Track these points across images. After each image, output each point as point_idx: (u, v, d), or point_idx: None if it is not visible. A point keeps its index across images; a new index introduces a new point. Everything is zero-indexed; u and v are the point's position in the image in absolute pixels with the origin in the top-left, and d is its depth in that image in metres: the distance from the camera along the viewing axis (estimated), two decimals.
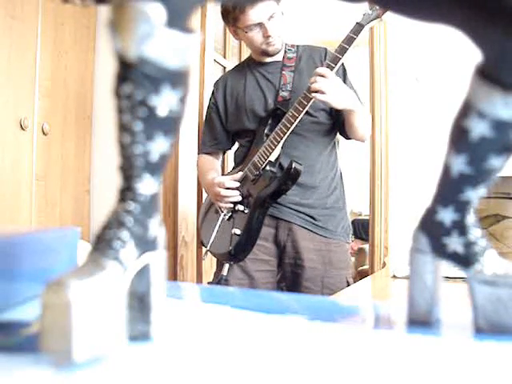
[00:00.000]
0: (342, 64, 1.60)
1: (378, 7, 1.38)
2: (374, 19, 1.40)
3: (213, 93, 1.74)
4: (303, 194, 1.57)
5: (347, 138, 1.65)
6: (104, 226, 0.38)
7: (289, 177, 1.50)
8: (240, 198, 1.57)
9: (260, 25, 1.53)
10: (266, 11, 1.51)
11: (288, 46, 1.65)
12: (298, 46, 1.67)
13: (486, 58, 0.39)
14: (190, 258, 2.24)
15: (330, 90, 1.40)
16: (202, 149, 1.77)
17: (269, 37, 1.55)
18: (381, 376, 0.33)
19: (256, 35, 1.55)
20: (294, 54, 1.63)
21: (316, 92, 1.40)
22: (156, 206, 0.39)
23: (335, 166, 1.67)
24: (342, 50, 1.42)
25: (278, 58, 1.64)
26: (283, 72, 1.61)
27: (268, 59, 1.64)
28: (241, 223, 1.57)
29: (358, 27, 1.41)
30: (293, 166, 1.48)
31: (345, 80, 1.61)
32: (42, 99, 2.03)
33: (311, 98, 1.43)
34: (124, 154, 0.37)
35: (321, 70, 1.41)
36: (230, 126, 1.69)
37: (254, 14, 1.50)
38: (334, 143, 1.68)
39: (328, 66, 1.43)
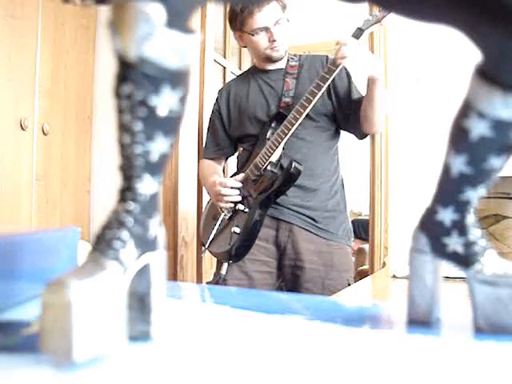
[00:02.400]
0: (346, 70, 1.62)
1: (377, 13, 1.41)
2: (374, 24, 1.43)
3: (217, 100, 1.78)
4: (304, 197, 1.58)
5: (357, 131, 1.63)
6: (104, 225, 0.38)
7: (289, 176, 1.51)
8: (240, 198, 1.58)
9: (266, 29, 1.56)
10: (273, 16, 1.55)
11: (291, 55, 1.69)
12: (300, 55, 1.71)
13: (486, 58, 0.39)
14: (190, 258, 2.24)
15: (351, 55, 1.41)
16: (205, 154, 1.79)
17: (274, 41, 1.58)
18: (381, 376, 0.33)
19: (261, 39, 1.59)
20: (297, 63, 1.67)
21: (341, 58, 1.41)
22: (156, 206, 0.39)
23: (337, 171, 1.68)
24: None
25: (281, 65, 1.67)
26: (286, 79, 1.64)
27: (271, 67, 1.67)
28: (241, 222, 1.57)
29: (359, 32, 1.44)
30: (293, 166, 1.49)
31: (350, 85, 1.62)
32: (42, 99, 2.03)
33: (312, 101, 1.45)
34: (124, 154, 0.37)
35: (341, 38, 1.43)
36: (233, 131, 1.71)
37: (261, 18, 1.54)
38: (336, 149, 1.70)
39: (329, 70, 1.45)
